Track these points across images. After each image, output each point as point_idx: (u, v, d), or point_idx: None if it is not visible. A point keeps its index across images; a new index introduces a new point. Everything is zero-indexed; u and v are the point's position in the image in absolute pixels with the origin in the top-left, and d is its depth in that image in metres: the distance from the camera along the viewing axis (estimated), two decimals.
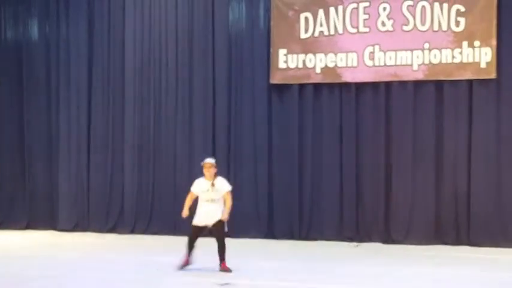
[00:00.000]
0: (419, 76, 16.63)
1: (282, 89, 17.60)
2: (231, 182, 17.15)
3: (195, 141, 18.14)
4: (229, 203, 12.68)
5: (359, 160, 17.10)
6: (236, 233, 16.50)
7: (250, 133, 17.77)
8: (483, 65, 16.20)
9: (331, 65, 17.16)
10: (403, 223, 16.70)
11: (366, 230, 16.96)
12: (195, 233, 12.72)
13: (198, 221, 12.68)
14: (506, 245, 15.87)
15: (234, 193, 17.30)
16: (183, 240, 12.96)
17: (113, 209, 18.67)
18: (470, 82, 16.40)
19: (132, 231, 18.33)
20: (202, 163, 12.89)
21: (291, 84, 17.49)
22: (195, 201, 12.86)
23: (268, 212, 17.53)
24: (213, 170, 12.72)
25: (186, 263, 12.81)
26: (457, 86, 16.47)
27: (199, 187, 12.77)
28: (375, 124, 16.96)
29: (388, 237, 16.73)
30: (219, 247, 12.58)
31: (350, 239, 16.82)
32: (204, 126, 18.11)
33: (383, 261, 14.17)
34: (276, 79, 17.54)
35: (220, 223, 12.56)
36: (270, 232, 17.47)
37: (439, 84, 16.61)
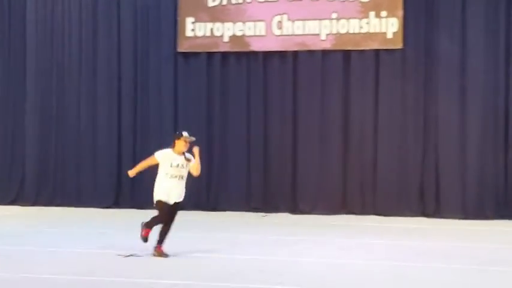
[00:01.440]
0: (327, 46, 16.63)
1: (189, 57, 17.39)
2: (138, 152, 17.19)
3: (100, 111, 17.82)
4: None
5: (266, 130, 17.05)
6: (145, 205, 16.40)
7: (156, 101, 17.55)
8: (390, 36, 16.28)
9: (239, 33, 17.03)
10: (311, 193, 16.73)
11: (273, 200, 16.94)
12: (169, 212, 11.10)
13: (168, 198, 11.08)
14: (410, 214, 16.05)
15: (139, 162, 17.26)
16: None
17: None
18: (377, 52, 16.47)
19: (35, 204, 17.92)
20: (183, 136, 11.22)
21: (199, 53, 17.29)
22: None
23: None
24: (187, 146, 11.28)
25: (147, 234, 11.15)
26: (364, 55, 16.53)
27: (169, 159, 11.16)
28: (283, 93, 16.93)
29: (295, 208, 16.75)
30: (167, 229, 11.15)
31: (258, 209, 16.77)
32: (109, 95, 17.81)
33: (289, 231, 14.18)
34: (183, 47, 17.31)
35: (180, 205, 11.30)
36: None
37: (346, 54, 16.64)
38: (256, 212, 16.68)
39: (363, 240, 12.86)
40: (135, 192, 17.54)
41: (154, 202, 11.15)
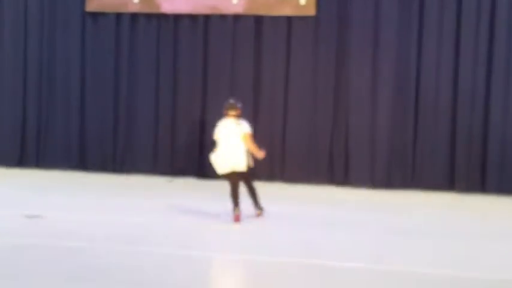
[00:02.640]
0: (239, 10, 16.41)
1: (98, 17, 16.97)
2: (44, 114, 16.84)
3: (5, 69, 17.31)
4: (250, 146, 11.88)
5: (175, 95, 16.80)
6: (48, 165, 16.21)
7: (64, 63, 17.11)
8: (303, 2, 16.15)
9: None
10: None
11: (180, 165, 16.74)
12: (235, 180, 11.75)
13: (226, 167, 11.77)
14: (318, 182, 16.05)
15: (45, 126, 16.91)
16: None
17: None
18: (289, 18, 16.33)
19: None
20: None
21: (108, 13, 16.88)
22: None
23: (80, 144, 17.01)
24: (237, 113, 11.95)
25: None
26: (276, 21, 16.36)
27: (222, 127, 12.02)
28: (193, 57, 16.66)
29: (202, 173, 16.56)
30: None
31: (164, 173, 16.56)
32: (15, 54, 17.28)
33: (197, 196, 14.07)
34: (91, 7, 16.88)
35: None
36: (82, 164, 16.98)
37: (258, 19, 16.45)
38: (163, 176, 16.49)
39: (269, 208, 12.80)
40: (39, 152, 17.17)
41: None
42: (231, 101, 12.10)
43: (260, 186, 15.59)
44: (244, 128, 11.75)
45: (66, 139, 17.11)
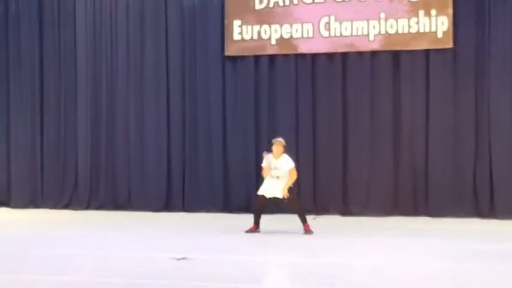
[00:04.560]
0: (376, 46, 16.46)
1: (237, 61, 17.34)
2: (187, 156, 17.21)
3: (148, 116, 17.84)
4: (291, 178, 13.67)
5: (315, 133, 16.90)
6: (195, 208, 16.72)
7: (205, 105, 17.51)
8: (440, 35, 16.07)
9: (286, 36, 16.92)
10: (362, 196, 16.56)
11: (323, 203, 16.80)
12: (260, 202, 13.92)
13: (265, 192, 13.72)
14: (463, 215, 15.81)
15: (189, 168, 17.24)
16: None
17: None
18: (427, 52, 16.26)
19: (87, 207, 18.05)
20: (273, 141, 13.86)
21: (246, 56, 17.22)
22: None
23: (224, 186, 17.36)
24: (281, 150, 13.71)
25: (253, 229, 13.84)
26: (413, 56, 16.33)
27: (268, 162, 13.71)
28: (331, 95, 16.76)
29: (346, 210, 16.60)
30: (296, 212, 13.84)
31: (308, 211, 16.63)
32: (157, 100, 17.78)
33: (341, 234, 14.07)
34: (230, 51, 17.27)
35: (288, 197, 13.62)
36: (227, 207, 17.29)
37: (395, 55, 16.45)
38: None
39: (416, 242, 12.69)
40: (185, 196, 17.57)
41: None
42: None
43: (404, 221, 15.64)
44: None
45: (210, 182, 17.45)
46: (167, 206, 17.70)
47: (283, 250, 12.29)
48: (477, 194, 16.00)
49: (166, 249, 12.16)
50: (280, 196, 13.60)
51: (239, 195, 17.18)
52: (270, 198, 13.78)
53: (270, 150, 13.99)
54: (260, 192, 13.77)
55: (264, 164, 13.79)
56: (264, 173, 13.78)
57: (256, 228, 13.87)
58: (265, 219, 14.13)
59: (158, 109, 17.76)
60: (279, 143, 13.68)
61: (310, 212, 16.15)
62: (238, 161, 17.23)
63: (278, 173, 13.61)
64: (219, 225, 15.28)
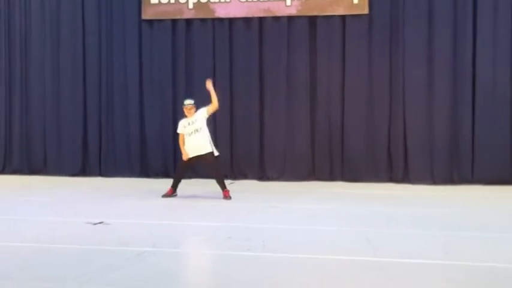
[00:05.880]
0: (293, 11, 16.52)
1: (154, 24, 17.21)
2: (105, 120, 17.07)
3: (64, 80, 17.66)
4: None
5: (232, 98, 16.92)
6: (110, 173, 16.64)
7: (121, 69, 17.39)
8: (355, 1, 16.19)
9: (203, 0, 16.85)
10: (278, 161, 16.68)
11: (240, 168, 16.89)
12: (183, 167, 13.98)
13: (186, 155, 13.69)
14: (378, 180, 16.08)
15: (106, 131, 17.11)
16: None
17: None
18: (343, 17, 16.39)
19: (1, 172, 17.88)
20: (183, 104, 13.94)
21: (163, 20, 17.10)
22: None
23: (141, 152, 17.29)
24: (193, 111, 13.71)
25: (170, 193, 13.89)
26: (330, 21, 16.44)
27: (182, 126, 13.76)
28: (248, 60, 16.81)
29: (263, 175, 16.72)
30: (216, 178, 13.82)
31: (225, 176, 16.67)
32: (73, 65, 17.65)
33: (258, 197, 14.20)
34: (147, 14, 17.13)
35: (209, 155, 13.65)
36: (144, 172, 17.25)
37: (312, 20, 16.53)
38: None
39: (331, 206, 12.86)
40: (101, 160, 17.49)
41: None
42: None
43: (321, 185, 15.82)
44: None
45: (127, 146, 17.36)
46: (83, 171, 17.58)
47: (200, 214, 12.30)
48: (391, 159, 16.26)
49: (82, 214, 12.07)
50: (203, 153, 13.60)
51: (156, 160, 17.16)
52: (193, 159, 13.73)
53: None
54: (185, 156, 13.71)
55: (179, 130, 13.84)
56: (180, 140, 13.81)
57: (173, 192, 13.91)
58: (182, 183, 14.14)
59: (74, 72, 17.59)
60: (189, 108, 13.76)
61: (227, 177, 16.21)
62: (155, 125, 17.18)
63: (196, 126, 13.61)
64: (136, 189, 15.30)
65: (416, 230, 10.67)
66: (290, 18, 16.60)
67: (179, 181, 14.00)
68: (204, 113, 13.70)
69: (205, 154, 13.65)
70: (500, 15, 15.65)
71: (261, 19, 16.76)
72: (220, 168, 14.39)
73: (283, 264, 8.59)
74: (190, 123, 13.65)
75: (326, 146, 16.51)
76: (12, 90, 17.98)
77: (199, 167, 15.27)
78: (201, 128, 13.63)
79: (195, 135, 13.62)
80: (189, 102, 13.81)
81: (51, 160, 17.73)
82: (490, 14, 15.67)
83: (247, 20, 16.81)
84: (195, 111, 13.72)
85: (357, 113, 16.31)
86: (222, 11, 16.81)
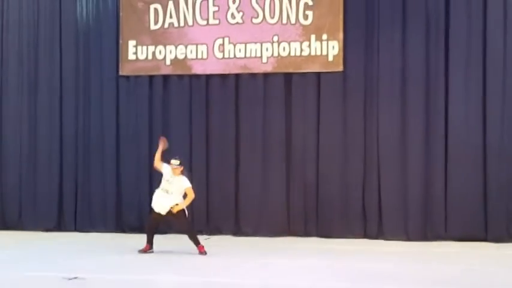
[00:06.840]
0: (269, 68, 16.73)
1: (131, 80, 17.37)
2: (81, 175, 17.06)
3: (41, 133, 17.71)
4: (189, 198, 13.75)
5: (208, 153, 17.02)
6: (85, 228, 16.65)
7: (98, 125, 17.47)
8: (330, 58, 16.44)
9: (181, 56, 17.06)
10: (254, 216, 16.74)
11: (215, 223, 16.92)
12: (153, 220, 13.99)
13: (155, 207, 13.80)
14: (352, 236, 16.15)
15: (81, 186, 17.08)
16: None
17: None
18: (318, 74, 16.59)
19: None
20: (170, 163, 13.81)
21: (141, 76, 17.27)
22: None
23: (117, 207, 17.32)
24: (179, 171, 13.72)
25: (147, 249, 13.89)
26: (305, 78, 16.64)
27: (166, 172, 13.81)
28: (225, 116, 16.93)
29: (238, 230, 16.77)
30: (187, 234, 13.81)
31: (200, 231, 16.70)
32: (50, 118, 17.69)
33: (233, 252, 14.24)
34: (125, 71, 17.30)
35: (178, 213, 13.64)
36: (120, 227, 17.26)
37: (288, 77, 16.74)
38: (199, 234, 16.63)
39: (307, 262, 12.92)
40: (77, 215, 17.48)
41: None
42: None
43: (296, 241, 15.87)
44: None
45: (102, 202, 17.37)
46: (59, 225, 17.55)
47: (176, 269, 12.33)
48: (366, 216, 16.34)
49: (57, 268, 12.04)
50: (167, 211, 13.63)
51: (132, 216, 17.15)
52: (162, 215, 13.75)
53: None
54: (152, 205, 13.78)
55: (162, 168, 13.87)
56: (156, 160, 14.03)
57: (149, 247, 13.88)
58: (158, 238, 14.17)
59: (51, 127, 17.63)
60: (175, 168, 13.71)
61: (202, 232, 16.27)
62: (131, 181, 17.21)
63: (171, 188, 13.63)
64: (111, 244, 15.27)
65: (390, 286, 10.74)
66: (266, 74, 16.79)
67: (152, 235, 13.95)
68: (183, 188, 13.72)
69: (175, 212, 13.71)
70: (472, 72, 15.88)
71: (237, 76, 16.94)
72: (190, 224, 14.43)
73: None
74: (170, 181, 13.68)
75: (301, 202, 16.60)
76: None
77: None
78: (172, 194, 13.67)
79: (166, 194, 13.68)
80: (175, 162, 13.73)
81: (25, 215, 17.67)
82: (462, 71, 15.92)
83: (223, 77, 16.98)
84: (181, 172, 13.76)
85: (332, 170, 16.41)
86: (199, 68, 17.00)
